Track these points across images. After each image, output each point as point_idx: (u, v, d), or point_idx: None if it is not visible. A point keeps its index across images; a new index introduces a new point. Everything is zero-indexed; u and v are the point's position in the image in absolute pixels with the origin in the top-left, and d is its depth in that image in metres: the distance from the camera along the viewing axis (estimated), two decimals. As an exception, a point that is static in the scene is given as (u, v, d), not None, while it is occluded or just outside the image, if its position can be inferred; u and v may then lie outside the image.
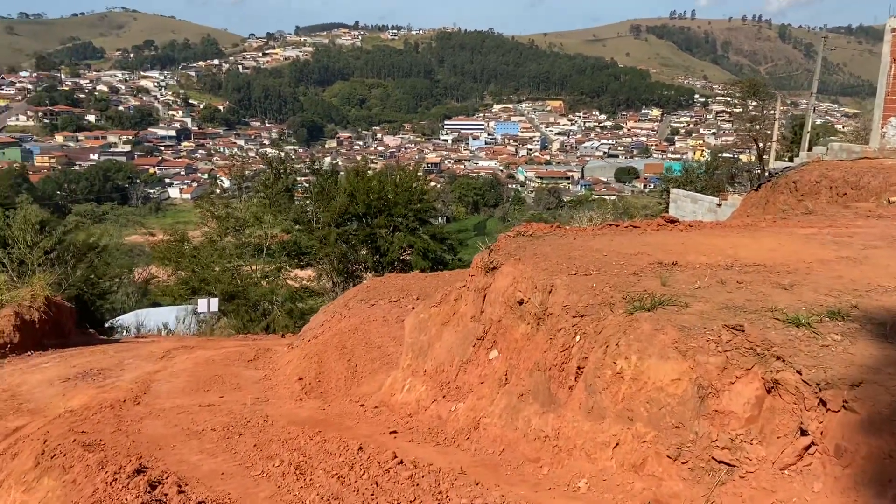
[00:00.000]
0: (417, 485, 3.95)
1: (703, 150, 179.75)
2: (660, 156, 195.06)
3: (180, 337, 15.24)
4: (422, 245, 26.98)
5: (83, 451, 4.80)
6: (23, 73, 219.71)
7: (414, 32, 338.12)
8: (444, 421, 5.23)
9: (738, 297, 4.25)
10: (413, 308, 11.07)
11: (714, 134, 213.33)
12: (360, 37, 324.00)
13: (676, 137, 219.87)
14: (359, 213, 26.88)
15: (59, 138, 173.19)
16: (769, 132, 30.77)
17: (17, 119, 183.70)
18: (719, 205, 19.60)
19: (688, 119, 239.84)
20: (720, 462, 3.35)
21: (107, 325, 25.29)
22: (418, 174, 30.32)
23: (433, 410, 5.42)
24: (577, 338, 4.28)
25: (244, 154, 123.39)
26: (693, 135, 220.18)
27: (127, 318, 26.42)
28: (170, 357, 10.68)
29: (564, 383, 4.29)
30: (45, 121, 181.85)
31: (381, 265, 27.20)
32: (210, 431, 5.87)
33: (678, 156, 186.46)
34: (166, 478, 4.08)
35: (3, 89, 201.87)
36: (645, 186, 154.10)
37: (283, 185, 27.58)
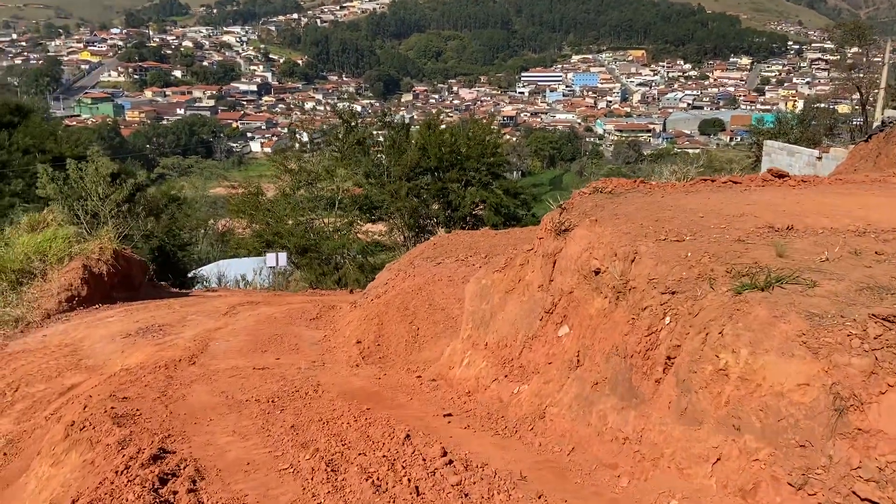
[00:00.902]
0: (466, 495, 3.35)
1: (795, 101, 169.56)
2: (748, 107, 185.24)
3: (247, 291, 15.19)
4: (494, 200, 26.22)
5: (112, 426, 4.48)
6: (114, 30, 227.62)
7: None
8: (505, 405, 4.62)
9: (880, 274, 3.36)
10: (480, 268, 10.47)
11: (808, 83, 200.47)
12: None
13: (767, 87, 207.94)
14: (431, 167, 26.30)
15: (148, 93, 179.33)
16: (876, 79, 28.04)
17: (109, 75, 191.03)
18: (819, 158, 17.89)
19: (780, 68, 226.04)
20: (864, 500, 2.56)
21: (189, 275, 25.93)
22: (492, 127, 29.35)
23: (494, 391, 4.83)
24: (667, 320, 3.52)
25: (322, 108, 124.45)
26: (785, 84, 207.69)
27: (208, 269, 26.97)
28: (233, 313, 10.49)
29: (650, 375, 3.56)
30: (135, 76, 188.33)
31: (452, 220, 26.64)
32: (254, 403, 5.48)
33: (768, 107, 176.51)
34: (183, 468, 3.65)
35: (95, 46, 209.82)
36: (731, 139, 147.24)
37: (355, 139, 27.19)
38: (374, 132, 30.02)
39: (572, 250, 4.24)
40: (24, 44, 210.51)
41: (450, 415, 4.81)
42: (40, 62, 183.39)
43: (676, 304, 3.52)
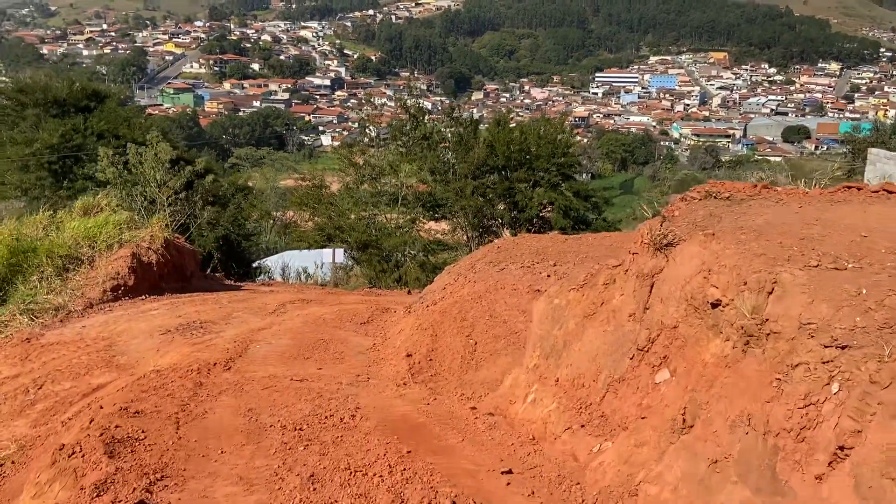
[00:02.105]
0: None
1: (886, 110, 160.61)
2: (836, 114, 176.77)
3: (301, 288, 14.62)
4: (563, 202, 25.07)
5: (102, 455, 3.80)
6: (197, 23, 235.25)
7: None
8: (581, 466, 3.70)
9: None
10: (547, 276, 9.49)
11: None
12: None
13: (857, 95, 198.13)
14: (498, 166, 25.36)
15: (226, 85, 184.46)
16: None
17: (192, 66, 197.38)
18: (932, 170, 16.07)
19: (871, 75, 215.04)
20: None
21: (254, 265, 25.83)
22: (563, 126, 28.16)
23: (566, 444, 3.91)
24: (835, 388, 2.48)
25: (392, 104, 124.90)
26: (876, 93, 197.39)
27: (272, 260, 26.87)
28: (281, 312, 9.85)
29: (805, 466, 2.51)
30: (216, 68, 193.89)
31: (518, 221, 25.64)
32: (278, 429, 4.73)
33: (857, 115, 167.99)
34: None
35: (179, 38, 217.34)
36: (817, 148, 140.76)
37: (422, 134, 26.50)
38: (442, 129, 29.33)
39: (678, 272, 3.29)
40: (112, 34, 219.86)
41: (509, 472, 3.91)
42: (127, 52, 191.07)
43: (850, 365, 2.44)
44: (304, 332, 8.57)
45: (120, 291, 9.87)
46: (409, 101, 27.48)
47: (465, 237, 25.46)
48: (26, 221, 10.46)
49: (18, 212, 13.56)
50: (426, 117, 27.61)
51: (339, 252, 20.17)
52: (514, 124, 27.91)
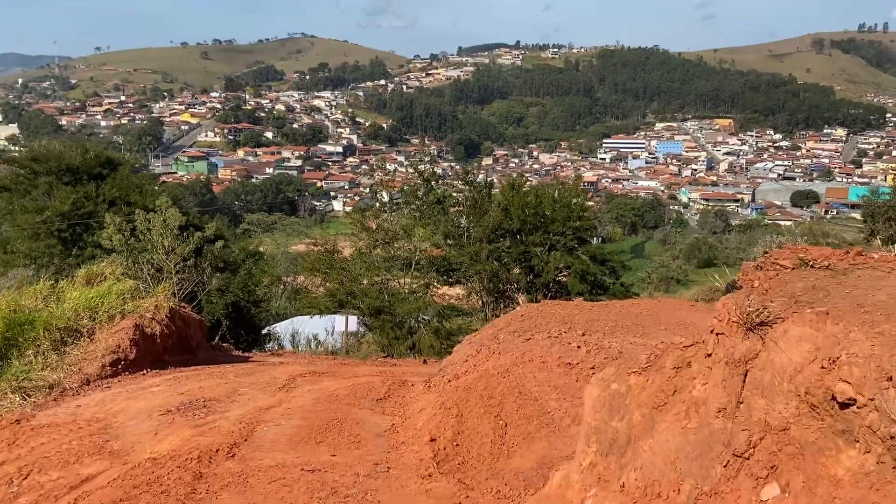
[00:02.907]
0: None
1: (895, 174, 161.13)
2: (843, 179, 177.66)
3: (312, 359, 13.94)
4: (580, 266, 24.47)
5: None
6: (213, 94, 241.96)
7: (575, 51, 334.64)
8: None
9: None
10: (578, 348, 8.84)
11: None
12: (520, 56, 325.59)
13: (864, 160, 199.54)
14: (513, 230, 24.91)
15: (240, 153, 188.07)
16: None
17: (206, 135, 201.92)
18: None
19: (878, 140, 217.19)
20: None
21: (263, 332, 25.22)
22: (578, 189, 27.86)
23: (642, 575, 3.23)
24: None
25: (404, 169, 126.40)
26: (884, 157, 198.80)
27: (283, 326, 26.33)
28: (291, 387, 9.18)
29: None
30: (230, 137, 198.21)
31: (534, 286, 25.02)
32: (287, 541, 4.06)
33: (866, 180, 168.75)
34: None
35: (195, 108, 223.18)
36: (826, 212, 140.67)
37: (435, 198, 26.24)
38: (455, 193, 29.09)
39: (782, 360, 2.67)
40: (131, 105, 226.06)
41: None
42: (144, 122, 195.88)
43: None
44: (316, 410, 7.89)
45: (120, 366, 9.25)
46: (421, 165, 27.33)
47: (480, 302, 24.82)
48: (25, 292, 9.95)
49: (23, 281, 13.09)
50: (439, 182, 27.42)
51: (353, 319, 19.52)
52: (527, 188, 27.63)
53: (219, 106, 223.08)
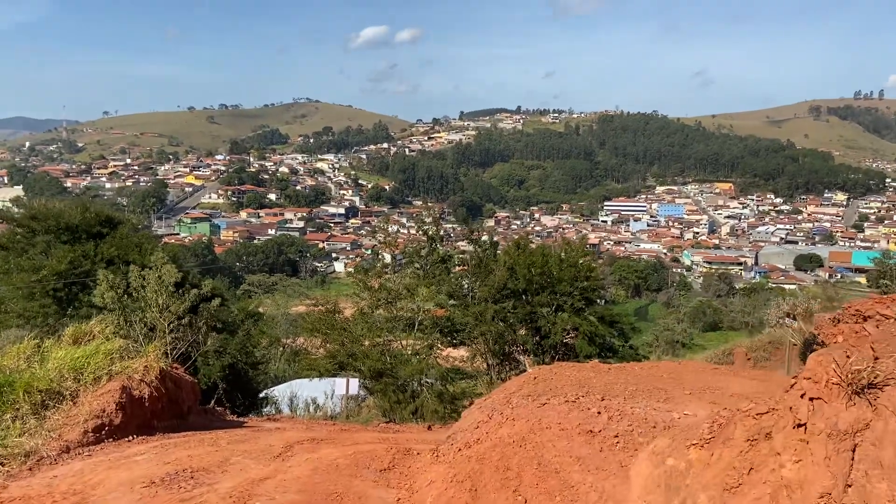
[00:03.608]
0: None
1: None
2: (846, 243, 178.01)
3: (310, 424, 13.19)
4: (588, 328, 23.80)
5: None
6: (218, 157, 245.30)
7: (575, 116, 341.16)
8: None
9: None
10: (598, 413, 8.17)
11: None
12: (521, 120, 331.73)
13: (866, 224, 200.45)
14: (518, 290, 24.34)
15: (243, 214, 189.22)
16: None
17: (210, 197, 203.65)
18: None
19: (878, 205, 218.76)
20: None
21: (261, 395, 24.42)
22: (584, 249, 27.43)
23: None
24: None
25: (406, 231, 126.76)
26: (885, 222, 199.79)
27: (280, 389, 25.58)
28: (287, 456, 8.47)
29: None
30: (233, 199, 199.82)
31: (541, 348, 24.29)
32: None
33: (868, 244, 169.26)
34: None
35: (200, 170, 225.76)
36: (830, 276, 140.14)
37: (439, 257, 25.80)
38: (457, 255, 28.67)
39: (907, 434, 2.16)
40: (136, 167, 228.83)
41: None
42: (149, 184, 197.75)
43: None
44: (315, 483, 7.19)
45: (104, 432, 8.57)
46: (426, 222, 26.99)
47: (485, 364, 24.05)
48: (8, 351, 9.35)
49: (14, 342, 12.48)
50: (443, 241, 27.02)
51: (354, 382, 18.77)
52: (533, 246, 27.21)
53: (223, 168, 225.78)
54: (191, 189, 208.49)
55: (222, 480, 7.18)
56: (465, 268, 25.77)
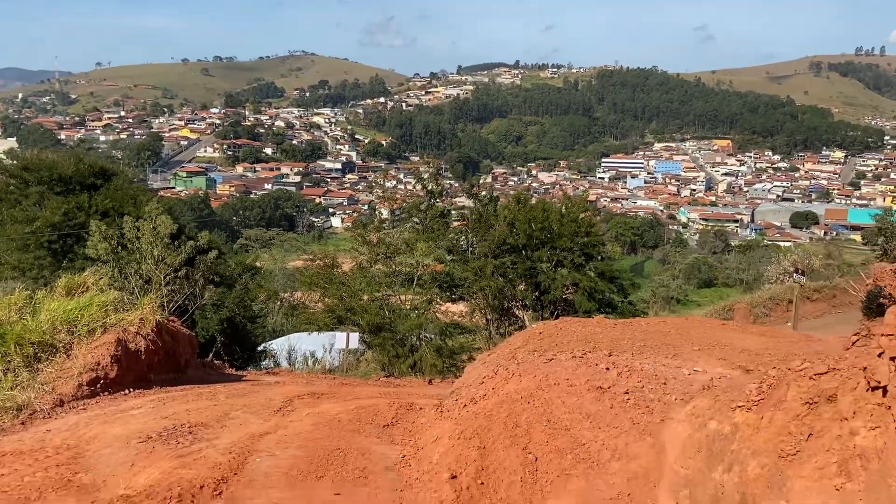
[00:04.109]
0: None
1: (894, 197, 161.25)
2: (842, 201, 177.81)
3: (310, 378, 13.04)
4: (588, 284, 23.61)
5: None
6: (213, 110, 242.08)
7: (574, 71, 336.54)
8: None
9: None
10: (606, 369, 7.98)
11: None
12: (519, 75, 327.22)
13: (863, 182, 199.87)
14: (518, 245, 24.08)
15: (239, 169, 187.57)
16: None
17: (206, 151, 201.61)
18: None
19: (876, 162, 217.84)
20: None
21: (259, 348, 24.39)
22: (585, 204, 27.09)
23: None
24: None
25: (403, 186, 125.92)
26: (882, 179, 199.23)
27: (279, 343, 25.55)
28: (288, 410, 8.29)
29: None
30: (229, 153, 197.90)
31: (540, 304, 24.15)
32: None
33: (865, 201, 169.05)
34: None
35: (195, 124, 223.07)
36: (826, 233, 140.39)
37: (438, 212, 25.44)
38: (457, 210, 28.28)
39: None
40: (130, 120, 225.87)
41: None
42: (143, 137, 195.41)
43: None
44: (317, 438, 7.00)
45: (99, 385, 8.36)
46: (425, 175, 26.54)
47: (484, 319, 23.92)
48: (-1, 302, 9.08)
49: (7, 294, 12.19)
50: (443, 195, 26.62)
51: (354, 336, 18.61)
52: (533, 201, 26.86)
53: (218, 122, 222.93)
54: (186, 143, 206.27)
55: (221, 435, 6.99)
56: (465, 223, 25.44)
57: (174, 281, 12.14)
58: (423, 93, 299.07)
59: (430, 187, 25.46)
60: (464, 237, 25.74)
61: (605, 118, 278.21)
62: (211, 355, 15.35)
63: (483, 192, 26.60)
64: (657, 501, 3.57)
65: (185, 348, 10.62)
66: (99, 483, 5.69)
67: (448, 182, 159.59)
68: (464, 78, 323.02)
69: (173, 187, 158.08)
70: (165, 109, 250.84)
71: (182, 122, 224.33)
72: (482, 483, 5.37)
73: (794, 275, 14.93)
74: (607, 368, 8.05)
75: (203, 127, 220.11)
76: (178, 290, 12.17)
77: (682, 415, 3.32)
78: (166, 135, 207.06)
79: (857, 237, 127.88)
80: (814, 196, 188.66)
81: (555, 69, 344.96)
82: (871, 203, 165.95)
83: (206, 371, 11.58)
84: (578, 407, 6.96)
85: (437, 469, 5.77)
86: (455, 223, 27.17)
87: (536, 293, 24.06)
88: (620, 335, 9.97)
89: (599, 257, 25.23)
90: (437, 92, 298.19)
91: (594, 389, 7.38)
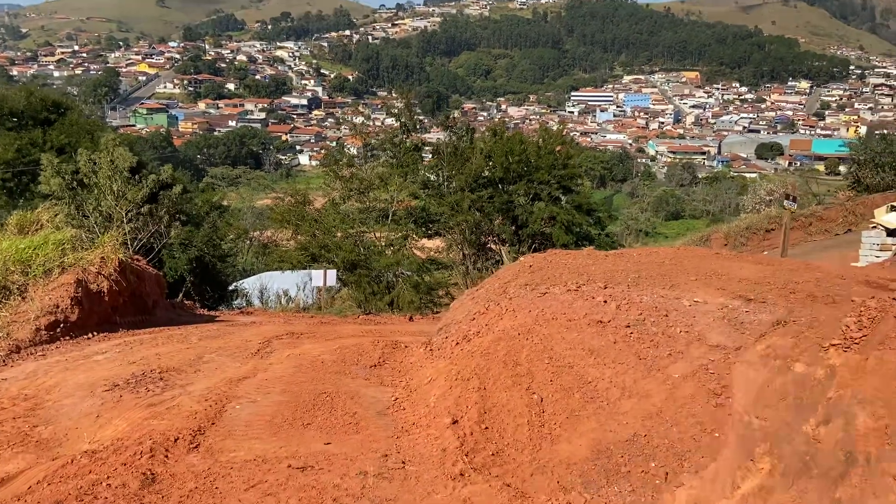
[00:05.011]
0: None
1: (858, 126, 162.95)
2: (807, 131, 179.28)
3: (288, 316, 12.49)
4: (565, 217, 23.24)
5: None
6: (171, 44, 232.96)
7: (543, 1, 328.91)
8: None
9: None
10: (604, 302, 7.58)
11: (871, 109, 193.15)
12: (488, 6, 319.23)
13: (827, 112, 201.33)
14: (495, 178, 23.50)
15: (201, 105, 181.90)
16: None
17: (165, 86, 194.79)
18: None
19: (841, 92, 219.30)
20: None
21: (230, 288, 23.81)
22: (562, 136, 26.48)
23: None
24: None
25: (371, 123, 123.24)
26: (846, 109, 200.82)
27: (250, 282, 24.91)
28: (266, 352, 7.76)
29: None
30: (190, 88, 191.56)
31: (518, 238, 23.77)
32: None
33: (829, 132, 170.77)
34: None
35: (153, 58, 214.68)
36: (790, 164, 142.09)
37: (412, 146, 24.61)
38: (429, 145, 27.44)
39: None
40: (84, 55, 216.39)
41: None
42: (99, 73, 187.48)
43: None
44: (300, 382, 6.51)
45: (59, 329, 7.71)
46: (397, 109, 25.57)
47: (461, 255, 23.52)
48: (-57, 242, 8.28)
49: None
50: (417, 127, 25.73)
51: (332, 273, 18.04)
52: (509, 133, 26.14)
53: (178, 56, 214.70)
54: (144, 78, 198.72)
55: (195, 381, 6.45)
56: (440, 157, 24.69)
57: (137, 218, 11.36)
58: (390, 25, 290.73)
59: (402, 120, 24.52)
60: (439, 171, 25.07)
61: (574, 50, 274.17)
62: (181, 295, 14.70)
63: (459, 124, 25.76)
64: (717, 455, 3.13)
65: (152, 288, 9.96)
66: (60, 437, 5.14)
67: (418, 118, 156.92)
68: (431, 9, 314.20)
69: (133, 125, 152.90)
70: (121, 43, 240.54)
71: (139, 57, 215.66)
72: (486, 428, 4.93)
73: (785, 201, 14.64)
74: (605, 301, 7.63)
75: (162, 62, 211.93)
76: (142, 227, 11.40)
77: (753, 355, 2.82)
78: (123, 70, 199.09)
79: (821, 167, 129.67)
80: (779, 127, 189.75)
81: (524, 0, 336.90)
82: (835, 133, 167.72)
83: (176, 312, 10.96)
84: (580, 342, 6.55)
85: (435, 413, 5.32)
86: (428, 159, 26.41)
87: (514, 227, 23.65)
88: (613, 267, 9.54)
89: (576, 190, 24.82)
90: (404, 24, 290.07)
91: (594, 324, 6.97)
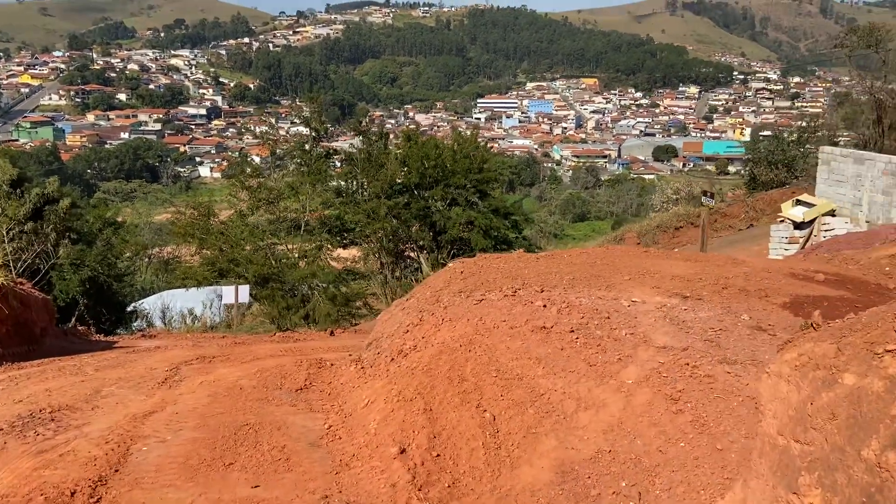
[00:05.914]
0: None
1: (743, 128, 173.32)
2: (698, 134, 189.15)
3: (196, 337, 11.52)
4: (483, 221, 23.03)
5: None
6: (56, 53, 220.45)
7: (446, 10, 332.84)
8: None
9: None
10: (543, 307, 7.22)
11: (754, 112, 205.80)
12: (391, 14, 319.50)
13: (715, 115, 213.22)
14: (411, 184, 23.02)
15: (90, 117, 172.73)
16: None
17: (50, 98, 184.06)
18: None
19: (726, 97, 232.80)
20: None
21: (128, 309, 22.25)
22: (477, 140, 26.33)
23: None
24: None
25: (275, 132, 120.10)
26: (732, 113, 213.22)
27: (151, 301, 23.33)
28: (175, 381, 6.93)
29: None
30: (77, 100, 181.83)
31: (437, 244, 23.37)
32: None
33: (717, 134, 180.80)
34: None
35: (36, 69, 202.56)
36: (684, 165, 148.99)
37: (323, 152, 23.79)
38: (342, 151, 26.67)
39: None
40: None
41: None
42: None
43: None
44: (217, 413, 5.77)
45: (-76, 368, 6.62)
46: (307, 114, 24.68)
47: (378, 264, 22.88)
48: None
49: None
50: (327, 133, 24.92)
51: (243, 289, 17.01)
52: (423, 138, 25.78)
53: (63, 66, 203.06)
54: (27, 90, 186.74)
55: (93, 420, 5.59)
56: (353, 164, 23.95)
57: (20, 237, 10.13)
58: (291, 32, 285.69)
59: (313, 125, 23.67)
60: (353, 178, 24.36)
61: (478, 58, 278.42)
62: (73, 321, 13.41)
63: (373, 129, 25.14)
64: (732, 484, 2.72)
65: (39, 315, 8.86)
66: (-76, 503, 4.23)
67: (326, 126, 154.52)
68: (333, 17, 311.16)
69: (16, 139, 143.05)
70: (1, 54, 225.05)
71: (21, 68, 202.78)
72: (438, 455, 4.41)
73: (703, 198, 15.00)
74: (544, 306, 7.28)
75: (46, 72, 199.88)
76: (26, 247, 10.18)
77: (783, 366, 2.41)
78: (4, 82, 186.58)
79: (712, 167, 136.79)
80: (672, 130, 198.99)
81: (426, 8, 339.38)
82: (723, 135, 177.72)
83: (69, 340, 9.83)
84: (525, 351, 6.13)
85: (377, 441, 4.74)
86: (339, 167, 25.66)
87: (432, 233, 23.22)
88: (546, 269, 9.24)
89: (492, 195, 24.71)
90: (306, 31, 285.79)
91: (538, 330, 6.59)
